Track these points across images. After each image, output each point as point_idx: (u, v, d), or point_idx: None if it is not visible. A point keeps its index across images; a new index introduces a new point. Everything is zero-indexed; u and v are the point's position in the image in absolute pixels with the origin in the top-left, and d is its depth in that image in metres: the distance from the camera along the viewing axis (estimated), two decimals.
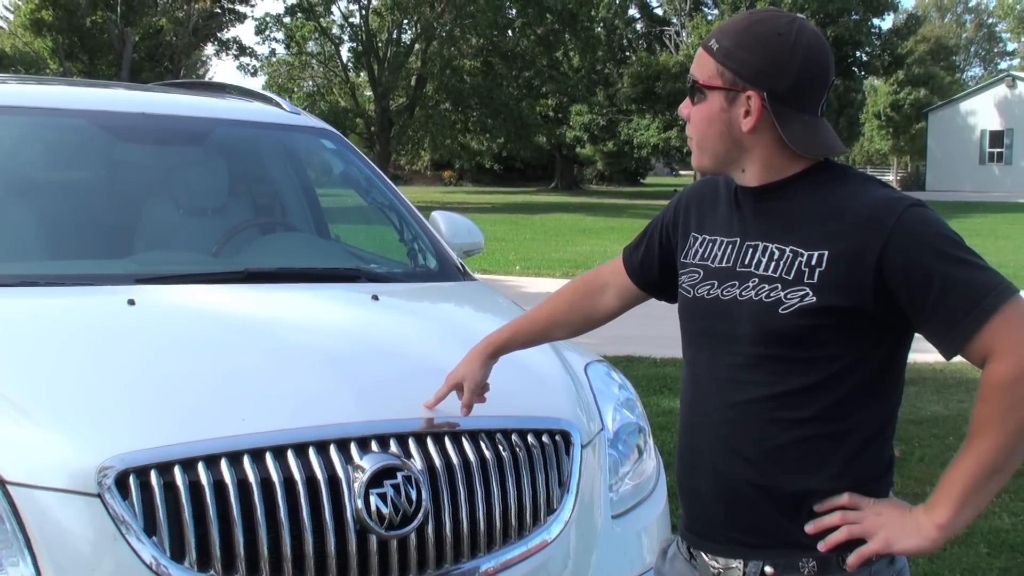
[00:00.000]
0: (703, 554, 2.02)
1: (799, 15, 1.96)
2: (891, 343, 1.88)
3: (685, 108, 1.99)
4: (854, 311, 1.82)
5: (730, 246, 1.99)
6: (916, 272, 1.77)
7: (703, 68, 1.92)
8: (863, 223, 1.81)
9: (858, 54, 48.66)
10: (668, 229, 2.21)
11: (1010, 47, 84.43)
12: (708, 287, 2.00)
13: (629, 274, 2.32)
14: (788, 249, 1.87)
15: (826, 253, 1.83)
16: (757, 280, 1.90)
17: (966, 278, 1.76)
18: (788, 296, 1.84)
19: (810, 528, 1.87)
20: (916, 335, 1.89)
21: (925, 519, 1.81)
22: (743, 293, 1.92)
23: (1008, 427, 1.74)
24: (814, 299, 1.82)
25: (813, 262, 1.83)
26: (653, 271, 2.27)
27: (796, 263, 1.85)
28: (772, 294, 1.86)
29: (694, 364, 2.04)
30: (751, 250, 1.94)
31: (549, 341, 2.70)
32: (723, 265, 1.98)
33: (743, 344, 1.91)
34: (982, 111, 52.47)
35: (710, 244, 2.04)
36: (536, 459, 2.61)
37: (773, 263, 1.89)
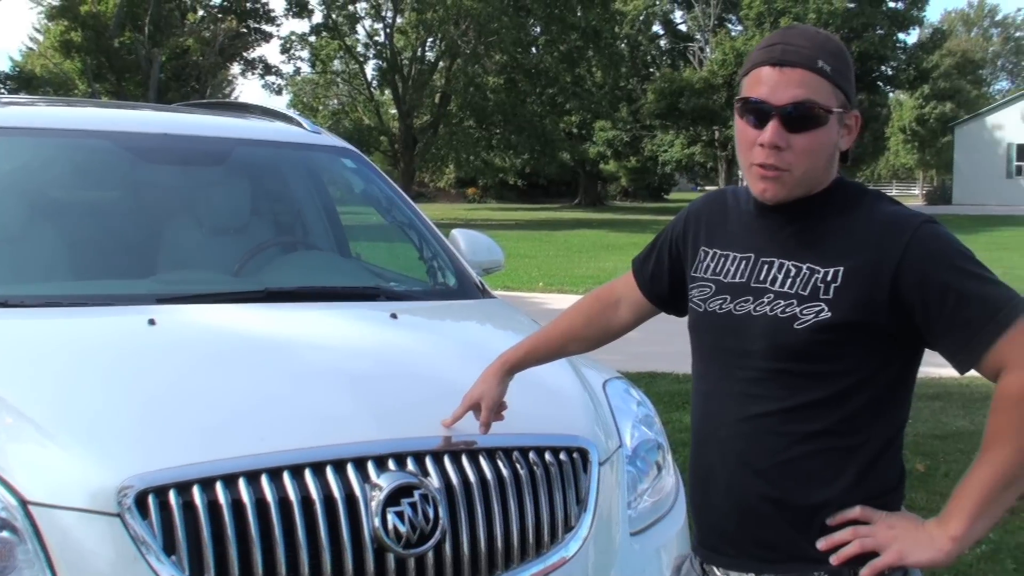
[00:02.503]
0: (716, 569, 2.02)
1: None
2: (903, 360, 1.90)
3: (781, 138, 1.85)
4: (868, 326, 1.83)
5: (744, 261, 1.99)
6: (932, 286, 1.79)
7: (819, 91, 1.84)
8: (878, 239, 1.84)
9: (883, 68, 48.53)
10: (677, 242, 2.20)
11: None
12: (720, 302, 2.00)
13: (639, 286, 2.32)
14: (805, 266, 1.89)
15: (842, 269, 1.85)
16: (772, 296, 1.91)
17: (980, 292, 1.78)
18: (803, 312, 1.85)
19: (822, 544, 1.87)
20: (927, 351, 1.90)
21: (939, 531, 1.81)
22: (757, 308, 1.92)
23: (1022, 439, 1.76)
24: (829, 314, 1.83)
25: (829, 278, 1.85)
26: (663, 284, 2.27)
27: (812, 279, 1.87)
28: (788, 310, 1.87)
29: (705, 378, 2.05)
30: (766, 266, 1.95)
31: (565, 356, 2.69)
32: (736, 280, 1.99)
33: (756, 359, 1.92)
34: (1009, 125, 52.14)
35: (722, 259, 2.04)
36: (553, 476, 2.61)
37: (789, 280, 1.90)
